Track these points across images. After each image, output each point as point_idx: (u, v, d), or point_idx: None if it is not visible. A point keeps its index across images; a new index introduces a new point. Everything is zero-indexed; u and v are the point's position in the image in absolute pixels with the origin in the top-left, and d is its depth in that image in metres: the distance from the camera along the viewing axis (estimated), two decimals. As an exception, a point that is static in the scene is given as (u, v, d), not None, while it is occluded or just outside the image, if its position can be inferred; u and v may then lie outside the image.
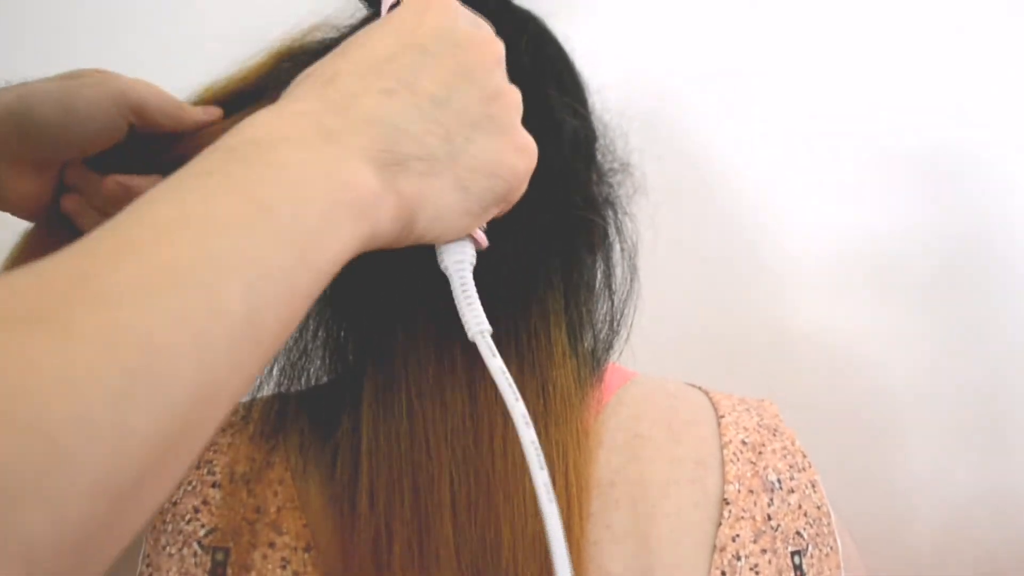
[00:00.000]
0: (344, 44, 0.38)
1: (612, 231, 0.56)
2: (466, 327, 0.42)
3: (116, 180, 0.47)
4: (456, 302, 0.42)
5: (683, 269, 0.97)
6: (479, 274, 0.45)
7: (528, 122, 0.51)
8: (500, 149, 0.38)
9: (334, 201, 0.32)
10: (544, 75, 0.54)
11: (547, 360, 0.48)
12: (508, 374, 0.40)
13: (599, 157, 0.58)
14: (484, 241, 0.43)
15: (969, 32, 1.01)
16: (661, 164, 0.63)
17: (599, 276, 0.55)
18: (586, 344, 0.52)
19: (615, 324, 0.54)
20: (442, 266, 0.43)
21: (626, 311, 0.55)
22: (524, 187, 0.40)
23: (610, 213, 0.56)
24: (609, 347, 0.54)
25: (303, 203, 0.31)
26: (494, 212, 0.41)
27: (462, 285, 0.42)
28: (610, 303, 0.55)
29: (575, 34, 0.59)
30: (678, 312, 0.94)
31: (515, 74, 0.53)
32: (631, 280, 0.56)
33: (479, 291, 0.44)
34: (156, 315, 0.25)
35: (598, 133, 0.58)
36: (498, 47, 0.40)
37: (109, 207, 0.47)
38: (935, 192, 1.02)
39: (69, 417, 0.23)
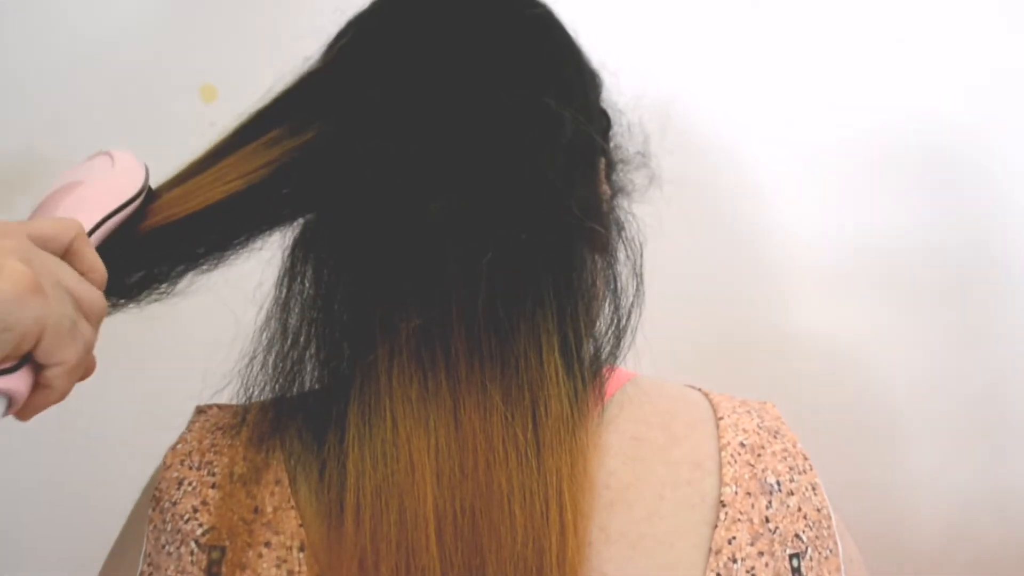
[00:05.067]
0: None
1: (615, 235, 0.55)
2: None
3: None
4: None
5: (688, 268, 0.97)
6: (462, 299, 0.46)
7: (521, 131, 0.51)
8: None
9: None
10: (540, 77, 0.53)
11: (538, 384, 0.47)
12: None
13: (611, 147, 0.57)
14: (15, 389, 0.39)
15: (972, 37, 1.00)
16: (672, 159, 0.62)
17: (607, 281, 0.54)
18: (585, 355, 0.51)
19: (619, 330, 0.54)
20: None
21: (631, 316, 0.54)
22: (20, 308, 0.38)
23: (612, 216, 0.55)
24: (612, 354, 0.53)
25: None
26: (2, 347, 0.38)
27: None
28: (614, 308, 0.54)
29: (590, 19, 0.58)
30: (679, 311, 0.94)
31: (493, 74, 0.53)
32: (636, 284, 0.55)
33: (465, 315, 0.45)
34: None
35: (612, 121, 0.57)
36: (10, 224, 0.41)
37: None
38: (937, 196, 1.02)
39: None
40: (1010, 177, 1.01)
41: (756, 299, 1.03)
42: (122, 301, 0.52)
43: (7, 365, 0.39)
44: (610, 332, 0.53)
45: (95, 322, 0.44)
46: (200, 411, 0.55)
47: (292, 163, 0.52)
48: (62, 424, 0.94)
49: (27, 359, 0.40)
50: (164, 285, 0.53)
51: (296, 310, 0.52)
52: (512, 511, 0.45)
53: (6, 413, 0.40)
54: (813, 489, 0.53)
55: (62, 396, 0.42)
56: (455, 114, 0.51)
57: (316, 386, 0.52)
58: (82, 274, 0.44)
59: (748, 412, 0.55)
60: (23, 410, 0.41)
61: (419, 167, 0.50)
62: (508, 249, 0.49)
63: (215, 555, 0.47)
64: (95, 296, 0.44)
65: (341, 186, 0.51)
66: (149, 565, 0.49)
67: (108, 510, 0.57)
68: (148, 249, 0.52)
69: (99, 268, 0.45)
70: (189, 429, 0.54)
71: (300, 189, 0.53)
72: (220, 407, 0.56)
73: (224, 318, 0.54)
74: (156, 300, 0.53)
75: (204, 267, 0.54)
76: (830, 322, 1.03)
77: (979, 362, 1.03)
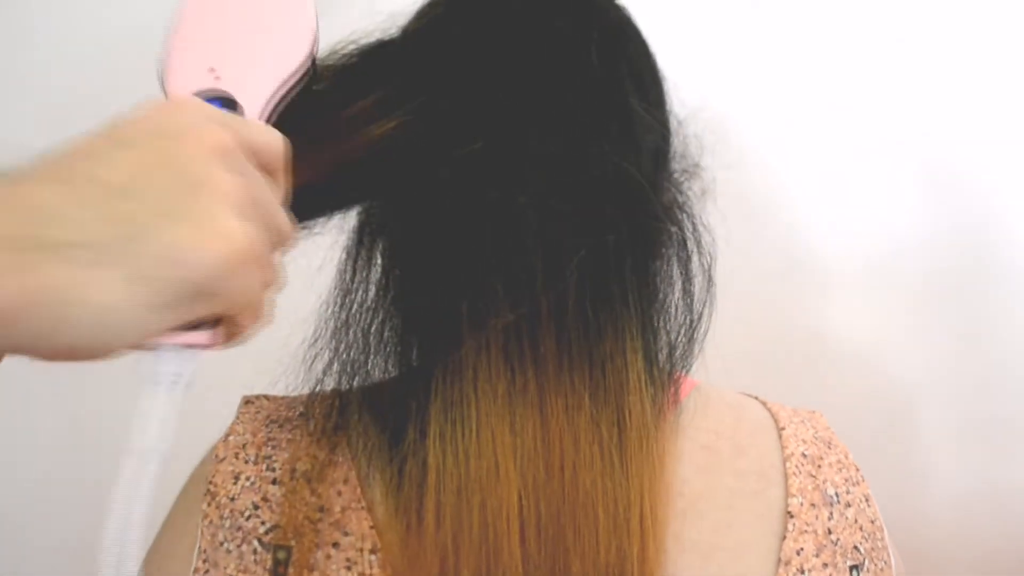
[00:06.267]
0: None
1: (691, 240, 0.54)
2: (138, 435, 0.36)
3: None
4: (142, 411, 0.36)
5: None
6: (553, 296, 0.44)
7: (608, 130, 0.50)
8: (193, 237, 0.33)
9: None
10: (623, 78, 0.53)
11: (622, 388, 0.47)
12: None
13: (672, 160, 0.57)
14: (207, 343, 0.36)
15: (972, 37, 1.02)
16: (729, 172, 0.62)
17: (677, 288, 0.54)
18: (662, 360, 0.51)
19: (692, 337, 0.53)
20: (145, 375, 0.36)
21: (703, 323, 0.54)
22: (231, 275, 0.34)
23: (687, 222, 0.55)
24: (686, 363, 0.53)
25: None
26: (201, 310, 0.34)
27: (163, 403, 0.36)
28: (688, 315, 0.53)
29: (652, 26, 0.57)
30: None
31: (582, 73, 0.52)
32: (708, 291, 0.54)
33: (555, 313, 0.43)
34: None
35: (672, 132, 0.57)
36: (218, 138, 0.35)
37: None
38: (937, 195, 1.03)
39: None
40: (1016, 180, 1.03)
41: (756, 301, 1.04)
42: None
43: (202, 323, 0.35)
44: (683, 337, 0.53)
45: (282, 253, 0.39)
46: (248, 402, 0.53)
47: (384, 152, 0.50)
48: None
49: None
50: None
51: (362, 298, 0.51)
52: (597, 515, 0.44)
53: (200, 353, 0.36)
54: (867, 500, 0.53)
55: (246, 334, 0.38)
56: (546, 110, 0.50)
57: (383, 377, 0.50)
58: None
59: (803, 422, 0.55)
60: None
61: (508, 160, 0.49)
62: (596, 249, 0.48)
63: (281, 555, 0.46)
64: (289, 228, 0.39)
65: (428, 175, 0.50)
66: (204, 562, 0.47)
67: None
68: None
69: (288, 192, 0.40)
70: (239, 420, 0.52)
71: (387, 189, 0.51)
72: (269, 398, 0.54)
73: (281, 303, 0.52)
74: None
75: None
76: (830, 323, 1.04)
77: (979, 362, 1.04)
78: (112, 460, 0.36)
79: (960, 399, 1.05)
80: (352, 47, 0.54)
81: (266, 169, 0.37)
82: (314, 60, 0.40)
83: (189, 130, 0.35)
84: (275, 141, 0.38)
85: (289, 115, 0.42)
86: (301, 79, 0.39)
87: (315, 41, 0.40)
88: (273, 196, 0.37)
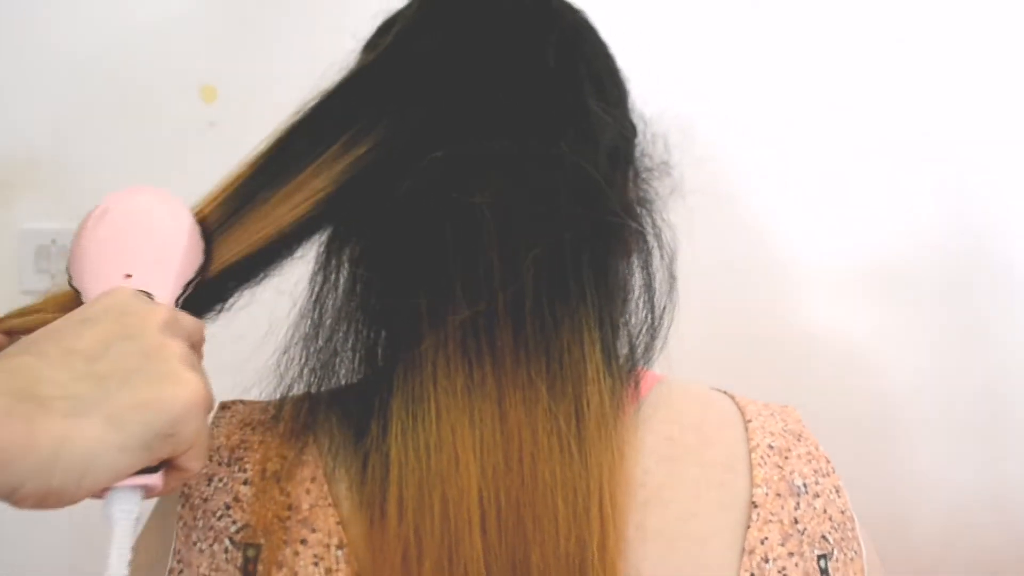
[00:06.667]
0: None
1: (651, 237, 0.55)
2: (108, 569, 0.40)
3: None
4: (110, 549, 0.40)
5: (708, 274, 0.97)
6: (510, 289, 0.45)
7: (565, 131, 0.51)
8: (160, 387, 0.40)
9: None
10: (580, 79, 0.54)
11: (580, 379, 0.48)
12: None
13: (636, 155, 0.58)
14: (159, 485, 0.42)
15: (972, 37, 1.02)
16: (699, 167, 0.62)
17: (638, 283, 0.55)
18: (621, 354, 0.52)
19: (654, 332, 0.54)
20: (106, 512, 0.41)
21: (665, 319, 0.54)
22: (190, 419, 0.40)
23: (647, 218, 0.56)
24: (646, 354, 0.54)
25: None
26: (162, 450, 0.40)
27: (121, 536, 0.40)
28: (649, 310, 0.54)
29: (617, 25, 0.58)
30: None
31: (539, 76, 0.53)
32: (670, 287, 0.55)
33: (511, 308, 0.45)
34: None
35: (637, 130, 0.58)
36: (163, 314, 0.43)
37: None
38: (937, 196, 1.03)
39: None
40: (1010, 177, 1.03)
41: (757, 301, 1.04)
42: None
43: (155, 464, 0.41)
44: (644, 332, 0.54)
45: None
46: (224, 407, 0.55)
47: (354, 178, 0.51)
48: None
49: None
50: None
51: (332, 303, 0.52)
52: (556, 504, 0.45)
53: (144, 499, 0.42)
54: (837, 491, 0.54)
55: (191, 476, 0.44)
56: (501, 113, 0.52)
57: (352, 380, 0.52)
58: None
59: (772, 415, 0.56)
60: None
61: (467, 163, 0.50)
62: (553, 246, 0.49)
63: (250, 552, 0.47)
64: (212, 393, 0.46)
65: (392, 192, 0.51)
66: (179, 562, 0.48)
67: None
68: (216, 287, 0.51)
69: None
70: (215, 424, 0.53)
71: (359, 199, 0.52)
72: (245, 402, 0.55)
73: (255, 312, 0.53)
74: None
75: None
76: (830, 322, 1.04)
77: (979, 361, 1.04)
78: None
79: (960, 399, 1.05)
80: (319, 91, 0.55)
81: (190, 344, 0.45)
82: (207, 256, 0.50)
83: (139, 308, 0.43)
84: (197, 323, 0.46)
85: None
86: (198, 273, 0.49)
87: (207, 249, 0.50)
88: (203, 371, 0.44)
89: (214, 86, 1.04)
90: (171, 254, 0.48)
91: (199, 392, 0.41)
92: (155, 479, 0.41)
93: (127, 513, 0.41)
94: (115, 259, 0.47)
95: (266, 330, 0.53)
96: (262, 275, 0.52)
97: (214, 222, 0.51)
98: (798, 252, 1.04)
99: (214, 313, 0.52)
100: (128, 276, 0.46)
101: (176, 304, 0.47)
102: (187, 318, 0.45)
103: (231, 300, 0.52)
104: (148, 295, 0.45)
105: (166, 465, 0.42)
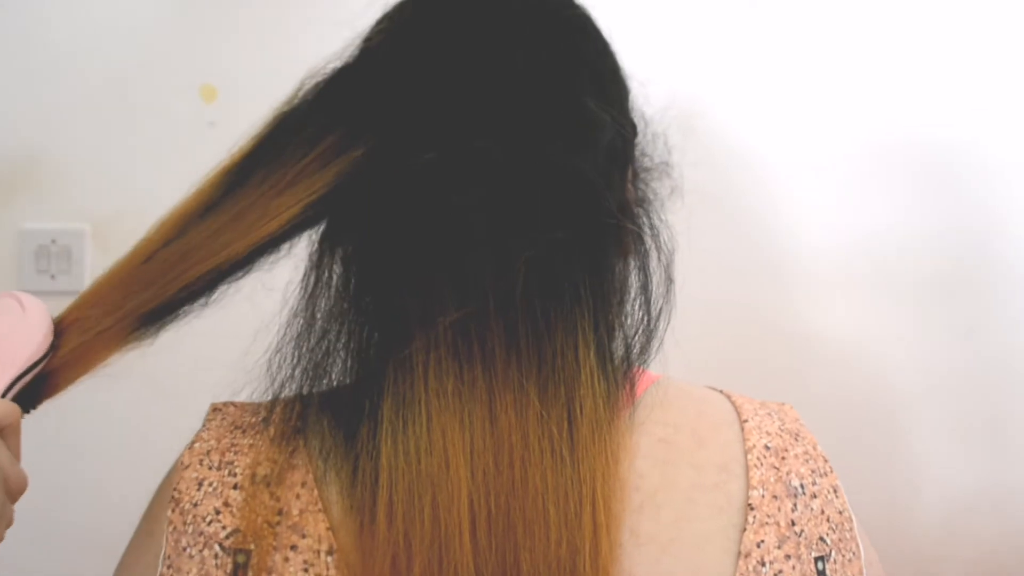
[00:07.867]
0: None
1: (648, 237, 0.55)
2: None
3: None
4: None
5: (709, 274, 0.97)
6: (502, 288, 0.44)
7: (561, 130, 0.50)
8: None
9: None
10: (578, 77, 0.53)
11: (573, 383, 0.47)
12: None
13: (636, 155, 0.57)
14: None
15: (972, 37, 1.01)
16: (696, 170, 0.62)
17: (635, 283, 0.54)
18: (616, 355, 0.51)
19: (650, 334, 0.53)
20: None
21: (661, 320, 0.54)
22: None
23: (644, 218, 0.55)
24: (642, 356, 0.53)
25: None
26: None
27: None
28: (646, 311, 0.53)
29: (617, 25, 0.58)
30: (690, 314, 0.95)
31: (534, 74, 0.52)
32: (667, 287, 0.54)
33: (503, 310, 0.44)
34: None
35: (638, 130, 0.57)
36: None
37: None
38: (937, 196, 1.03)
39: None
40: (1010, 177, 1.02)
41: (757, 300, 1.04)
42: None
43: None
44: (640, 333, 0.53)
45: (15, 500, 0.47)
46: (216, 409, 0.55)
47: (343, 184, 0.51)
48: (72, 423, 0.93)
49: None
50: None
51: (324, 304, 0.52)
52: (546, 509, 0.44)
53: None
54: (835, 491, 0.53)
55: None
56: (496, 112, 0.51)
57: (344, 381, 0.51)
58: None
59: (769, 414, 0.55)
60: None
61: (460, 163, 0.50)
62: (547, 246, 0.48)
63: (240, 559, 0.47)
64: (22, 477, 0.47)
65: (386, 193, 0.51)
66: (169, 568, 0.48)
67: (126, 510, 0.56)
68: (190, 294, 0.51)
69: (19, 452, 0.48)
70: (206, 427, 0.53)
71: (349, 203, 0.52)
72: (236, 405, 0.55)
73: (246, 312, 0.53)
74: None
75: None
76: (830, 322, 1.03)
77: (979, 362, 1.04)
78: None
79: (960, 399, 1.04)
80: (311, 84, 0.55)
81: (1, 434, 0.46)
82: (50, 348, 0.51)
83: None
84: (10, 413, 0.47)
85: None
86: (37, 363, 0.50)
87: (49, 342, 0.51)
88: (7, 452, 0.46)
89: (214, 86, 1.04)
90: (11, 350, 0.49)
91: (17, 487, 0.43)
92: None
93: None
94: None
95: (257, 328, 0.53)
96: (246, 271, 0.52)
97: (195, 211, 0.52)
98: (798, 252, 1.03)
99: (199, 307, 0.52)
100: None
101: (5, 394, 0.48)
102: None
103: (215, 296, 0.52)
104: None
105: None
